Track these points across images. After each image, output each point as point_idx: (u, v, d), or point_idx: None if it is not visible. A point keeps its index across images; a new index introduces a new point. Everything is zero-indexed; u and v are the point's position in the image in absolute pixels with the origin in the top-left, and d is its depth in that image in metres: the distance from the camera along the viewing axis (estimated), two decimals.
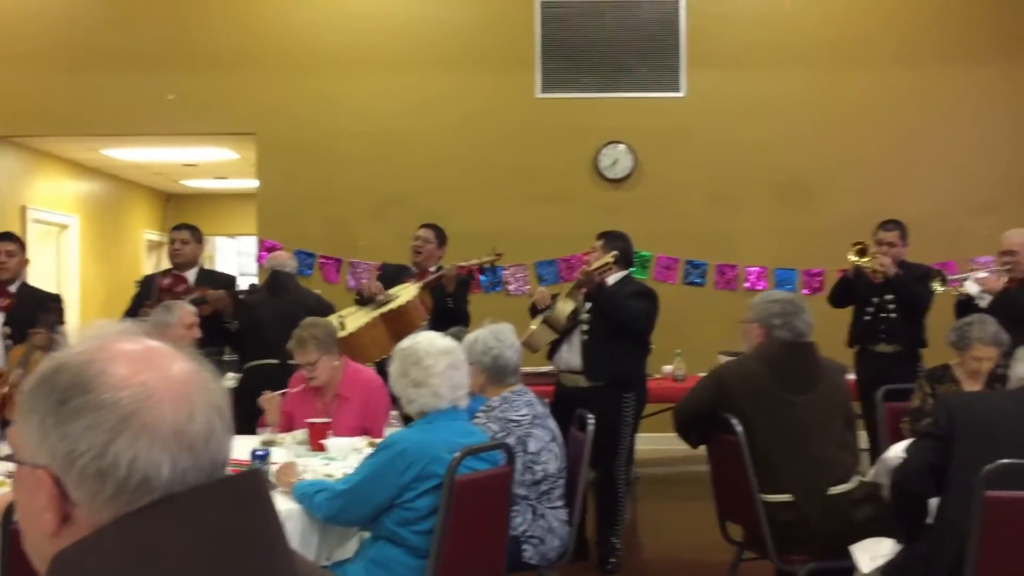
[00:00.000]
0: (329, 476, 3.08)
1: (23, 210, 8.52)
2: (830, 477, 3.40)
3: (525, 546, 3.31)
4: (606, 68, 7.80)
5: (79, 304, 9.38)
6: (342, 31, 7.84)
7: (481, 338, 3.53)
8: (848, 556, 3.16)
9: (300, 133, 7.80)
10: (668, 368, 6.37)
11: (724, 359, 5.31)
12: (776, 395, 3.44)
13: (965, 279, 5.23)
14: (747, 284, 7.74)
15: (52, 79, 7.77)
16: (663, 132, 7.74)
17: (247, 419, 4.16)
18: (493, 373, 3.50)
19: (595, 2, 7.80)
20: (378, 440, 3.32)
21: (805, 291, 7.60)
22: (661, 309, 4.79)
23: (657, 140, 7.74)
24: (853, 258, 5.45)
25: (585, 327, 4.67)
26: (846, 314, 5.66)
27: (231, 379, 5.17)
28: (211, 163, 10.82)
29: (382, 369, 4.29)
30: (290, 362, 5.10)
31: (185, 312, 4.26)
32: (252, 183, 8.34)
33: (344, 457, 3.44)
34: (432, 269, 5.36)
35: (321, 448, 3.58)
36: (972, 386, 4.09)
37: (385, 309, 4.94)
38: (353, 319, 5.16)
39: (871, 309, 5.48)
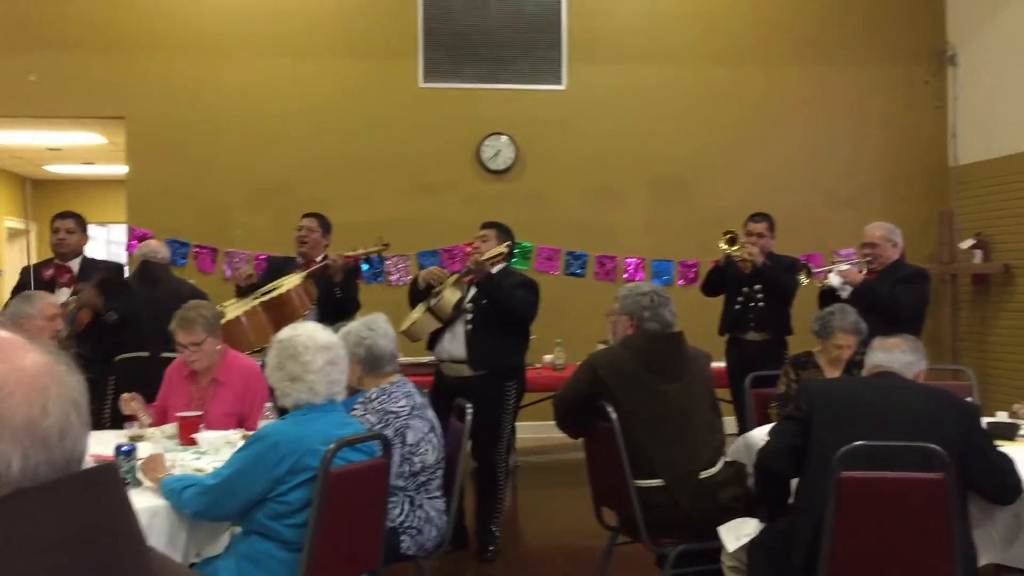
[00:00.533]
0: (200, 471, 2.99)
1: None
2: (700, 461, 3.51)
3: (403, 537, 3.30)
4: (489, 59, 7.82)
5: None
6: (218, 12, 7.60)
7: (353, 330, 3.49)
8: (716, 537, 3.27)
9: (173, 118, 7.53)
10: (548, 357, 6.45)
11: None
12: (648, 384, 3.53)
13: (829, 271, 5.47)
14: (626, 275, 7.91)
15: None
16: (545, 124, 7.82)
17: (118, 414, 4.02)
18: (369, 364, 3.46)
19: None
20: (251, 432, 3.25)
21: (681, 281, 7.83)
22: (542, 299, 4.85)
23: (539, 132, 7.81)
24: (723, 246, 5.64)
25: (469, 316, 4.68)
26: (718, 303, 5.85)
27: None
28: (77, 147, 10.36)
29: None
30: (163, 355, 4.95)
31: (45, 303, 4.05)
32: (122, 169, 8.01)
33: (216, 451, 3.35)
34: (318, 259, 5.28)
35: (192, 442, 3.48)
36: (832, 372, 4.29)
37: (266, 298, 4.83)
38: (233, 309, 5.03)
39: (741, 299, 5.68)
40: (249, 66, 7.63)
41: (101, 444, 3.21)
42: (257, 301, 4.91)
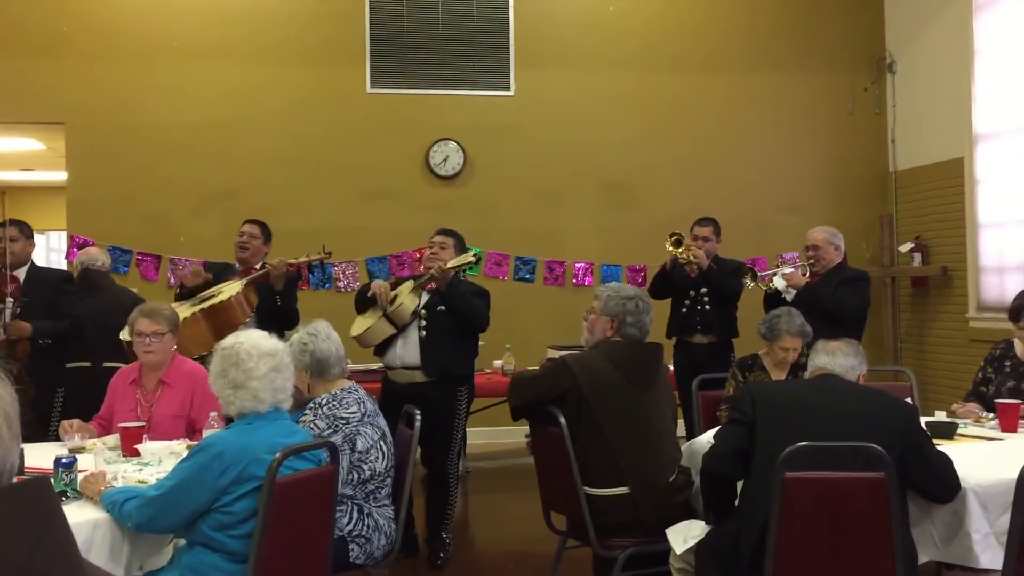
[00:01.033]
0: (142, 482, 2.93)
1: None
2: (666, 472, 3.53)
3: (352, 546, 3.27)
4: (437, 65, 7.81)
5: None
6: (162, 18, 7.49)
7: (295, 339, 3.47)
8: (664, 539, 3.30)
9: (114, 123, 7.40)
10: (498, 363, 6.45)
11: (554, 353, 5.42)
12: (625, 393, 3.50)
13: (774, 274, 5.57)
14: (575, 280, 7.95)
15: None
16: (493, 130, 7.83)
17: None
18: (316, 369, 3.43)
19: None
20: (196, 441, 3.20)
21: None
22: (492, 304, 4.86)
23: (487, 138, 7.82)
24: (669, 248, 5.70)
25: (423, 323, 4.66)
26: (666, 307, 5.91)
27: None
28: (15, 153, 10.13)
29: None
30: (106, 364, 4.86)
31: None
32: (61, 175, 7.84)
33: (160, 461, 3.29)
34: (257, 266, 5.21)
35: (135, 453, 3.42)
36: (778, 374, 4.36)
37: (206, 304, 4.75)
38: None
39: (687, 302, 5.75)
40: (194, 72, 7.52)
41: (45, 456, 3.13)
42: (197, 308, 4.83)
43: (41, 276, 5.16)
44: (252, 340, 2.89)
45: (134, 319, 3.87)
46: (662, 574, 3.34)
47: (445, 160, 7.81)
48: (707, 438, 3.51)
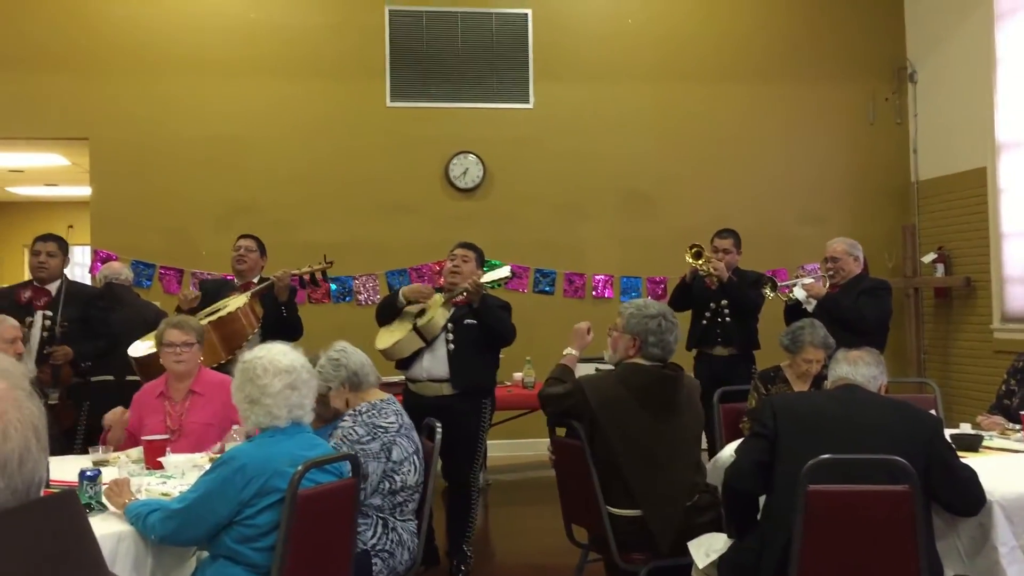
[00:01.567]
0: (166, 495, 2.95)
1: None
2: (682, 498, 3.46)
3: (375, 560, 3.27)
4: (456, 79, 7.85)
5: None
6: (183, 32, 7.57)
7: (323, 362, 3.49)
8: (687, 552, 3.28)
9: (137, 139, 7.48)
10: (518, 375, 6.45)
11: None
12: (639, 419, 3.44)
13: (794, 285, 5.54)
14: (595, 292, 7.94)
15: None
16: (512, 142, 7.85)
17: (90, 439, 4.04)
18: (353, 383, 3.48)
19: (444, 13, 7.84)
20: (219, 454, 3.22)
21: (649, 298, 7.85)
22: (512, 317, 4.87)
23: (506, 150, 7.84)
24: (689, 260, 5.68)
25: (450, 336, 4.67)
26: (686, 319, 5.89)
27: None
28: (40, 169, 10.25)
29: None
30: (128, 378, 4.90)
31: (6, 327, 4.03)
32: (85, 190, 7.92)
33: (183, 474, 3.31)
34: (255, 280, 5.25)
35: (158, 466, 3.44)
36: (801, 386, 4.33)
37: (214, 317, 4.79)
38: None
39: (708, 314, 5.73)
40: (215, 87, 7.60)
41: (70, 468, 3.16)
42: (204, 320, 4.87)
43: (74, 291, 5.21)
44: (271, 356, 2.88)
45: (163, 331, 3.94)
46: None
47: (465, 173, 7.83)
48: (729, 452, 3.48)
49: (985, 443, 3.69)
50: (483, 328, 4.66)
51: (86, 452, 3.81)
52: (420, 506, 3.48)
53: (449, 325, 4.68)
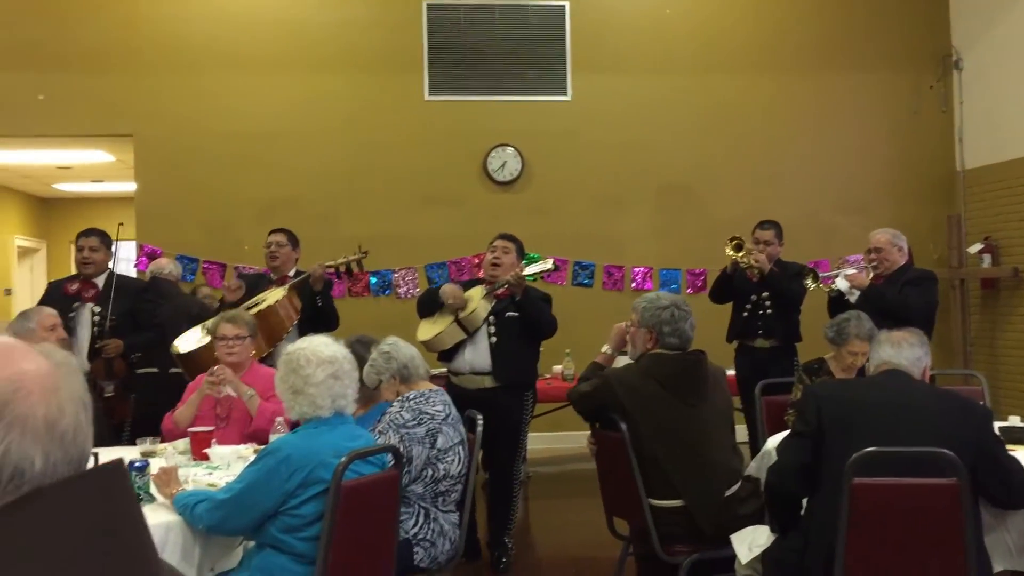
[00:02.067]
0: (212, 485, 3.00)
1: None
2: (723, 483, 3.46)
3: (416, 549, 3.30)
4: (494, 71, 7.85)
5: None
6: (223, 29, 7.65)
7: (374, 358, 3.56)
8: (730, 545, 3.26)
9: (180, 135, 7.58)
10: (558, 368, 6.46)
11: (621, 359, 5.39)
12: (669, 406, 3.45)
13: (836, 276, 5.47)
14: (634, 284, 7.91)
15: None
16: (550, 135, 7.84)
17: (137, 430, 4.24)
18: (403, 375, 3.53)
19: (482, 6, 7.84)
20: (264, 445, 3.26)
21: (689, 290, 7.82)
22: (552, 309, 4.87)
23: (545, 143, 7.83)
24: (730, 252, 5.63)
25: (492, 328, 4.69)
26: (727, 310, 5.85)
27: None
28: (86, 166, 10.43)
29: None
30: (171, 371, 4.99)
31: (44, 315, 4.18)
32: (130, 186, 8.05)
33: (228, 465, 3.36)
34: (291, 273, 5.30)
35: (204, 457, 3.50)
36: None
37: (254, 310, 4.85)
38: None
39: (749, 306, 5.67)
40: (255, 83, 7.67)
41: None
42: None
43: (121, 284, 5.29)
44: (313, 347, 2.92)
45: (216, 324, 4.10)
46: None
47: (503, 166, 7.84)
48: (774, 443, 3.43)
49: None
50: (525, 320, 4.66)
51: (133, 444, 3.88)
52: (462, 498, 3.50)
53: (491, 318, 4.68)
